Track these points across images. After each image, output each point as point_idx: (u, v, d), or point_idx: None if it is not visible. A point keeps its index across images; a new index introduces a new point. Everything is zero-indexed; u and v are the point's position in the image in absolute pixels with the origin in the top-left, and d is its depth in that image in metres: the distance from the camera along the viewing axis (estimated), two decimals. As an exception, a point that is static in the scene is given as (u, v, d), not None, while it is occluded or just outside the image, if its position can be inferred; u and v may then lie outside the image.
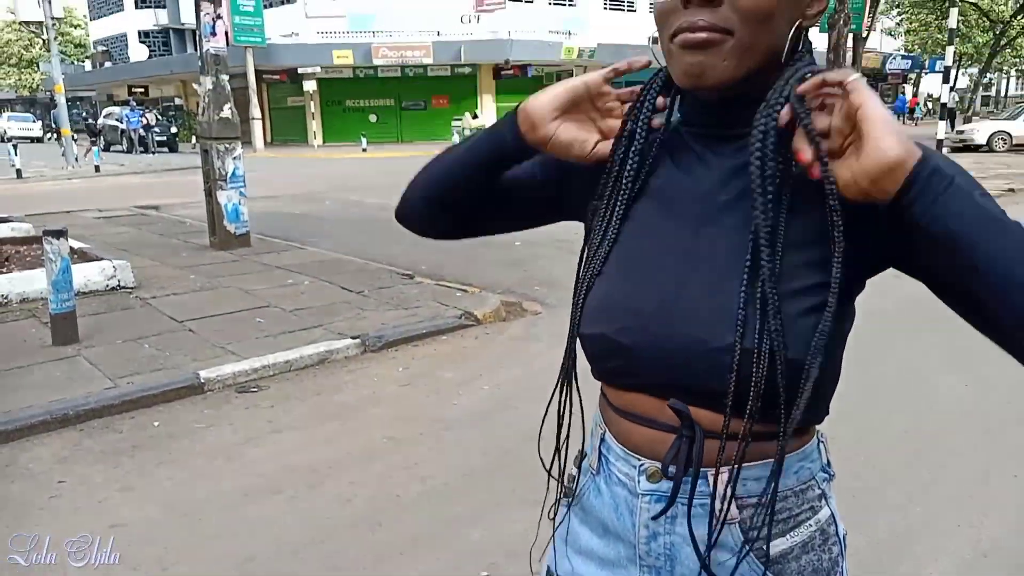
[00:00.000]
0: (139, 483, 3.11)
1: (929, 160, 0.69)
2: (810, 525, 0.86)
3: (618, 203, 0.90)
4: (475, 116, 27.24)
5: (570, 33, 31.23)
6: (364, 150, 25.47)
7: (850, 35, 19.01)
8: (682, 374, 0.81)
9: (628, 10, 34.33)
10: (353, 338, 4.78)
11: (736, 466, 0.79)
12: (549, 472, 1.02)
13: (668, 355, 0.81)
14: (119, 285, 6.02)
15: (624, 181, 0.89)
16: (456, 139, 22.31)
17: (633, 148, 0.88)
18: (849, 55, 19.71)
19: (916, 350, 4.59)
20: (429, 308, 5.54)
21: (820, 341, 0.76)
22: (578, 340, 0.92)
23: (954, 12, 19.58)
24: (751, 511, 0.82)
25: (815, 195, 0.75)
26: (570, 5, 32.77)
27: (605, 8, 33.89)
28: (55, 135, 30.98)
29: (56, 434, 3.54)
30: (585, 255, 0.92)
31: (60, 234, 4.55)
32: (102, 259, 6.22)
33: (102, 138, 28.69)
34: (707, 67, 0.78)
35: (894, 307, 4.13)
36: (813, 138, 0.73)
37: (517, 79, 30.27)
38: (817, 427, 0.90)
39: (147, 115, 28.99)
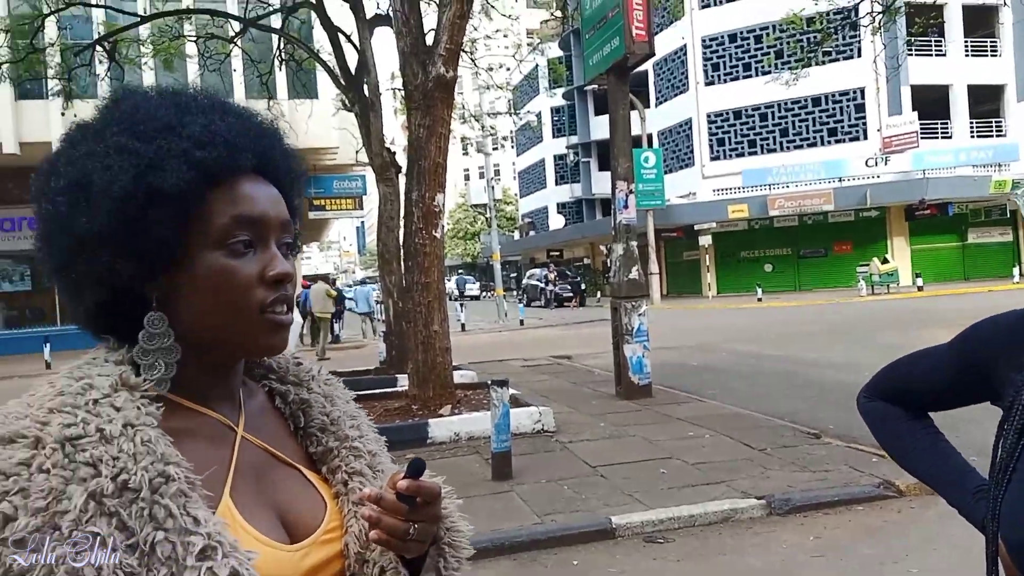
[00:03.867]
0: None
1: None
2: None
3: None
4: (885, 261, 25.26)
5: (999, 166, 27.75)
6: (759, 300, 25.21)
7: None
8: None
9: (1077, 131, 29.41)
10: (758, 499, 4.66)
11: None
12: None
13: None
14: (543, 429, 6.79)
15: None
16: (862, 286, 20.51)
17: None
18: None
19: None
20: (840, 473, 5.15)
21: None
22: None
23: None
24: None
25: None
26: (998, 136, 29.26)
27: (1045, 132, 29.56)
28: (490, 293, 36.71)
29: (494, 561, 4.06)
30: (997, 455, 0.90)
31: (503, 384, 5.39)
32: (530, 405, 7.12)
33: (525, 295, 33.19)
34: None
35: None
36: None
37: (935, 218, 27.61)
38: None
39: (554, 275, 32.84)
